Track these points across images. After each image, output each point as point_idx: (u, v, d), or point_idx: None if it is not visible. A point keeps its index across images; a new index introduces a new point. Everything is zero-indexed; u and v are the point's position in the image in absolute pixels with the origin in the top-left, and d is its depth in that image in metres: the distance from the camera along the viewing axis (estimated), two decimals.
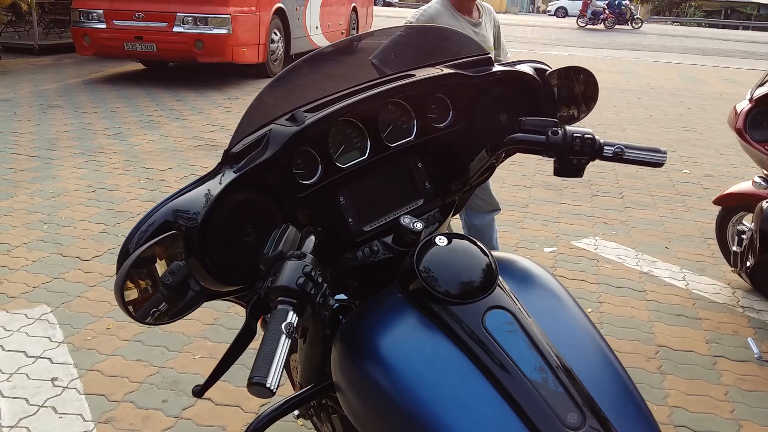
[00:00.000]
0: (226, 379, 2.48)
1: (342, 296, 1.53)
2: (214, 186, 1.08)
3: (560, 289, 1.20)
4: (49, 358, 2.58)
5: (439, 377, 1.02)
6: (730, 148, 6.30)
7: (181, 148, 5.67)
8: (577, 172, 1.25)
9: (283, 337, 0.87)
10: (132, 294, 1.03)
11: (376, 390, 1.06)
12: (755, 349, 2.82)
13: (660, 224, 4.31)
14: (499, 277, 1.15)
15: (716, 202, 3.41)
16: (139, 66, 9.96)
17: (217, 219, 1.07)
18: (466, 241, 1.16)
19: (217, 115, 6.96)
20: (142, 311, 1.04)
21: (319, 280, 0.95)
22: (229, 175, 1.09)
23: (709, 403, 2.47)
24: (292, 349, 2.07)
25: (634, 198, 4.82)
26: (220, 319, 2.93)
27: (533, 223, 4.24)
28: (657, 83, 10.60)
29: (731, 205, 3.32)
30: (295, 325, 0.89)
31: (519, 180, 5.12)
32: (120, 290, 0.98)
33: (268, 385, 0.82)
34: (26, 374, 2.47)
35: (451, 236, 1.16)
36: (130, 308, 1.02)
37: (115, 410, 2.28)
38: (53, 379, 2.45)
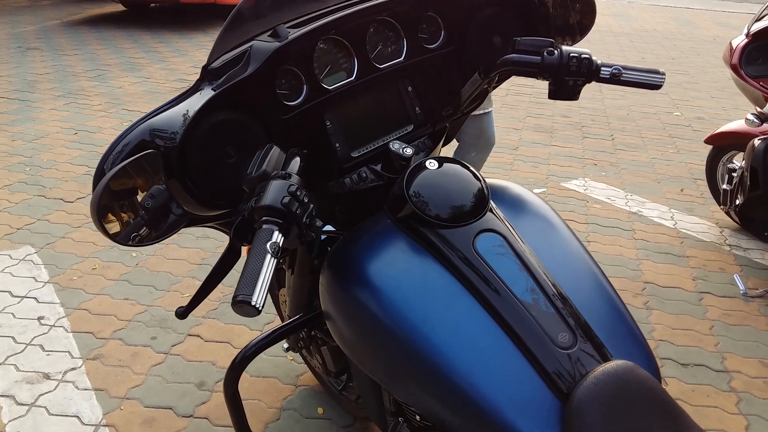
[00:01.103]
0: (215, 317, 2.47)
1: (330, 227, 1.51)
2: (193, 104, 1.03)
3: (553, 215, 1.18)
4: (34, 298, 2.55)
5: (428, 300, 1.00)
6: (722, 91, 6.24)
7: (164, 90, 5.53)
8: (573, 94, 1.21)
9: (269, 256, 0.84)
10: (111, 218, 0.99)
11: (365, 315, 1.04)
12: (741, 286, 2.85)
13: (650, 165, 4.29)
14: (491, 201, 1.12)
15: (707, 141, 3.38)
16: (119, 7, 9.63)
17: (197, 139, 1.03)
18: (458, 165, 1.13)
19: (200, 57, 6.77)
20: (122, 235, 1.00)
21: (305, 200, 0.92)
22: (208, 93, 1.04)
23: (695, 336, 2.50)
24: (281, 284, 2.05)
25: (624, 140, 4.79)
26: (208, 259, 2.90)
27: (523, 165, 4.21)
28: (650, 26, 10.42)
29: (722, 144, 3.29)
30: (280, 245, 0.86)
31: (509, 123, 5.06)
32: (96, 211, 0.94)
33: (253, 303, 0.79)
34: (12, 313, 2.45)
35: (441, 160, 1.13)
36: (110, 231, 0.99)
37: (104, 347, 2.28)
38: (40, 318, 2.43)
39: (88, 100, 5.17)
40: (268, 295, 2.10)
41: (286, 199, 0.89)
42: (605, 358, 0.95)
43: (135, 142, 1.01)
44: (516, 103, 5.61)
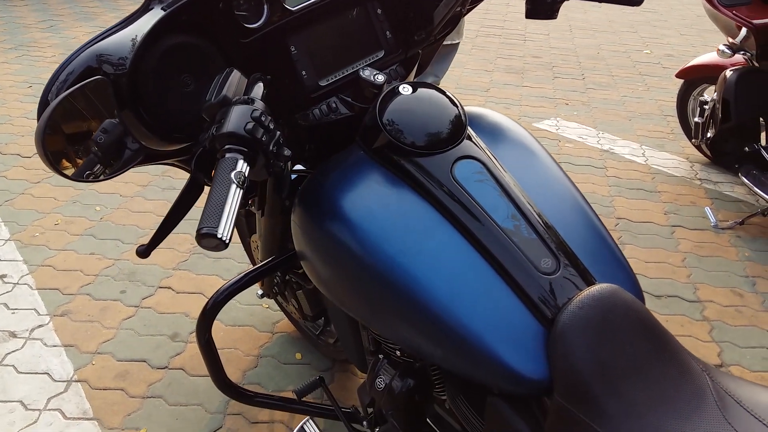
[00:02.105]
0: (186, 268, 2.41)
1: (300, 167, 1.44)
2: (143, 26, 0.94)
3: (532, 141, 1.13)
4: None
5: (406, 231, 0.96)
6: (691, 28, 6.22)
7: None
8: (551, 12, 1.15)
9: (233, 186, 0.77)
10: (61, 154, 0.91)
11: (340, 250, 1.00)
12: (712, 218, 2.88)
13: (620, 104, 4.28)
14: (469, 128, 1.07)
15: (678, 75, 3.35)
16: None
17: (149, 65, 0.94)
18: (433, 90, 1.07)
19: None
20: (75, 173, 0.93)
21: (271, 127, 0.85)
22: (158, 13, 0.95)
23: (667, 269, 2.53)
24: (252, 230, 1.99)
25: (594, 79, 4.75)
26: None
27: (495, 107, 4.15)
28: None
29: (693, 78, 3.27)
30: (246, 174, 0.80)
31: (480, 65, 4.97)
32: (42, 144, 0.87)
33: (219, 236, 0.73)
34: None
35: (415, 85, 1.06)
36: (62, 168, 0.91)
37: (71, 303, 2.20)
38: (2, 276, 2.34)
39: (41, 51, 4.93)
40: (241, 237, 2.04)
41: (250, 125, 0.82)
42: (589, 283, 0.92)
43: (80, 68, 0.92)
44: (486, 44, 5.51)
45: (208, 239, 0.73)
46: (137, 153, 0.96)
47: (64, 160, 0.92)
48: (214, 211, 0.74)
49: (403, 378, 1.11)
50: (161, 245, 2.53)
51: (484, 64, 4.99)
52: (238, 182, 0.78)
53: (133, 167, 0.99)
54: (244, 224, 2.00)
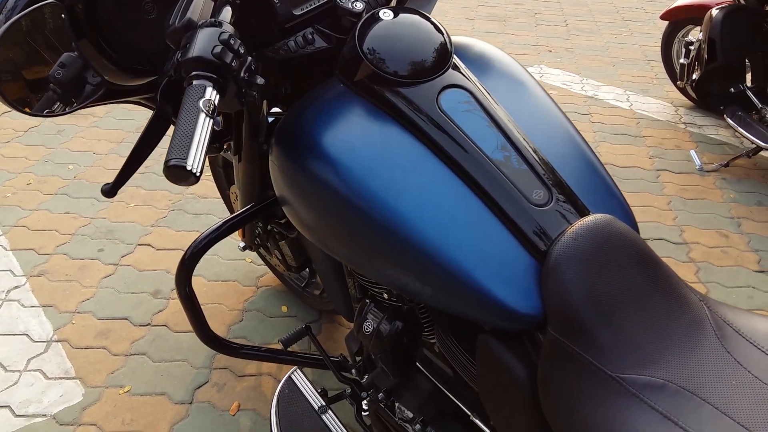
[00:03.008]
0: (165, 225, 2.35)
1: (277, 109, 1.38)
2: None
3: (522, 71, 1.08)
4: None
5: (391, 165, 0.91)
6: None
7: None
8: None
9: (202, 115, 0.72)
10: (17, 89, 0.84)
11: (322, 189, 0.95)
12: (697, 161, 2.86)
13: (604, 49, 4.21)
14: (455, 57, 1.01)
15: (663, 17, 3.29)
16: None
17: None
18: (416, 15, 1.00)
19: None
20: (34, 109, 0.86)
21: (241, 51, 0.79)
22: None
23: (653, 212, 2.52)
24: (230, 181, 1.93)
25: (578, 25, 4.66)
26: (152, 166, 2.73)
27: None
28: None
29: (679, 19, 3.21)
30: (215, 103, 0.74)
31: (462, 12, 4.85)
32: None
33: (189, 168, 0.68)
34: None
35: (397, 10, 1.00)
36: (19, 104, 0.85)
37: (47, 263, 2.14)
38: None
39: None
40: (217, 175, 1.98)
41: (218, 49, 0.76)
42: (582, 214, 0.88)
43: None
44: None
45: (177, 171, 0.67)
46: (98, 88, 0.90)
47: (21, 95, 0.85)
48: (182, 142, 0.69)
49: (391, 321, 1.07)
50: (138, 203, 2.47)
51: (465, 11, 4.87)
52: (207, 111, 0.72)
53: (95, 103, 0.92)
54: (222, 176, 1.94)
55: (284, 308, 1.98)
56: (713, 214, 2.51)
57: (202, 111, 0.72)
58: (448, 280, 0.85)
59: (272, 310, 1.97)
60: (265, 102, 1.17)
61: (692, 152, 2.93)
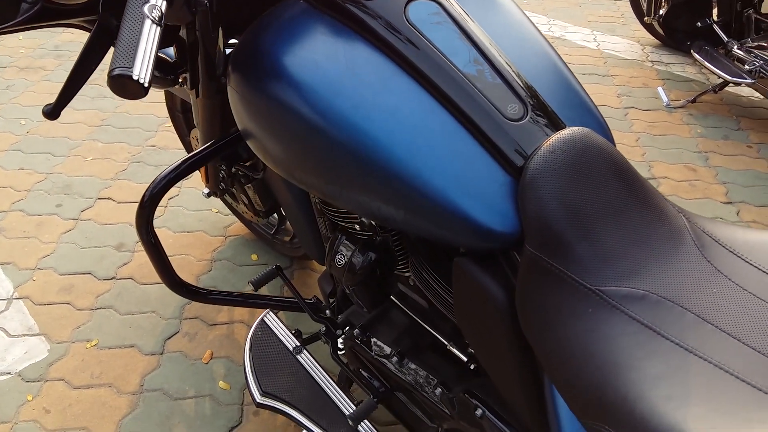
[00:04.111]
0: (125, 178, 2.26)
1: (235, 41, 1.31)
2: None
3: None
4: None
5: (358, 84, 0.86)
6: None
7: None
8: None
9: (148, 22, 0.65)
10: None
11: (285, 113, 0.89)
12: (664, 98, 2.85)
13: None
14: None
15: None
16: None
17: None
18: None
19: None
20: None
21: None
22: None
23: (622, 149, 2.51)
24: (190, 125, 1.86)
25: None
26: (108, 119, 2.62)
27: None
28: None
29: None
30: (162, 10, 0.68)
31: None
32: None
33: (135, 77, 0.62)
34: None
35: None
36: None
37: (3, 220, 2.05)
38: None
39: None
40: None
41: None
42: (558, 127, 0.85)
43: None
44: None
45: (122, 81, 0.62)
46: (34, 4, 0.82)
47: None
48: (126, 50, 0.62)
49: (364, 252, 1.04)
50: (96, 156, 2.37)
51: None
52: (154, 18, 0.66)
53: (32, 24, 0.84)
54: (181, 120, 1.86)
55: (254, 257, 1.94)
56: (681, 149, 2.52)
57: (148, 17, 0.66)
58: (421, 202, 0.81)
59: (242, 259, 1.93)
60: (221, 33, 1.10)
61: (659, 89, 2.92)
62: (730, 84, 2.73)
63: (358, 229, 1.08)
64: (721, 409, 0.64)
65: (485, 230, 0.80)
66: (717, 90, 2.82)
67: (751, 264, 0.79)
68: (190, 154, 1.20)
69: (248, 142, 1.04)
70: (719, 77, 2.66)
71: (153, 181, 1.18)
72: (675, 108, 2.81)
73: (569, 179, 0.78)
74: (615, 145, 0.88)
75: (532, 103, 0.85)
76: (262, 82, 0.92)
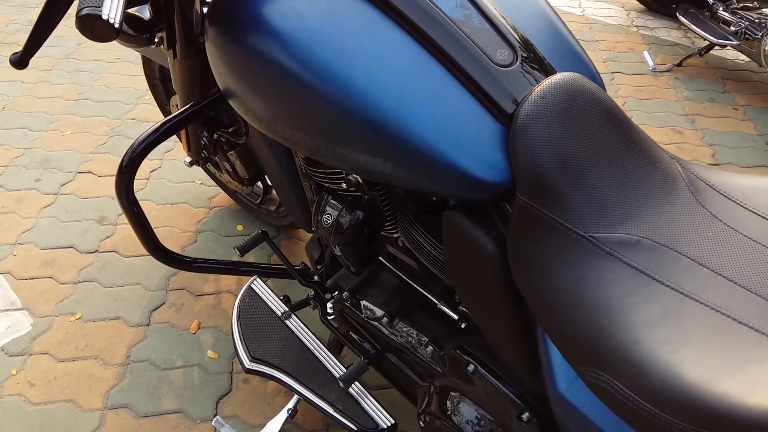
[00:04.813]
0: (105, 151, 2.21)
1: None
2: None
3: None
4: None
5: (340, 31, 0.83)
6: None
7: None
8: None
9: None
10: None
11: (267, 65, 0.86)
12: (650, 62, 2.84)
13: None
14: None
15: None
16: None
17: None
18: None
19: None
20: None
21: None
22: None
23: None
24: (169, 93, 1.81)
25: None
26: (86, 93, 2.56)
27: None
28: None
29: None
30: None
31: None
32: None
33: (105, 17, 0.59)
34: None
35: None
36: None
37: None
38: None
39: None
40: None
41: None
42: (549, 73, 0.83)
43: None
44: None
45: (91, 21, 0.58)
46: None
47: None
48: None
49: (351, 211, 1.02)
50: (75, 130, 2.32)
51: None
52: None
53: None
54: (160, 89, 1.81)
55: (240, 227, 1.91)
56: (668, 113, 2.51)
57: None
58: (408, 153, 0.79)
59: (227, 229, 1.90)
60: None
61: (645, 54, 2.90)
62: (716, 47, 2.71)
63: (345, 187, 1.06)
64: (718, 351, 0.63)
65: (475, 181, 0.78)
66: (702, 53, 2.81)
67: (746, 208, 0.78)
68: (169, 117, 1.17)
69: (230, 101, 1.01)
70: (705, 40, 2.64)
71: (131, 146, 1.15)
72: (661, 72, 2.80)
73: (561, 125, 0.76)
74: (606, 91, 0.86)
75: (521, 48, 0.83)
76: (240, 33, 0.88)
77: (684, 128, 2.41)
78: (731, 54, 2.99)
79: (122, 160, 1.16)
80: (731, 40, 2.56)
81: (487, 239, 0.81)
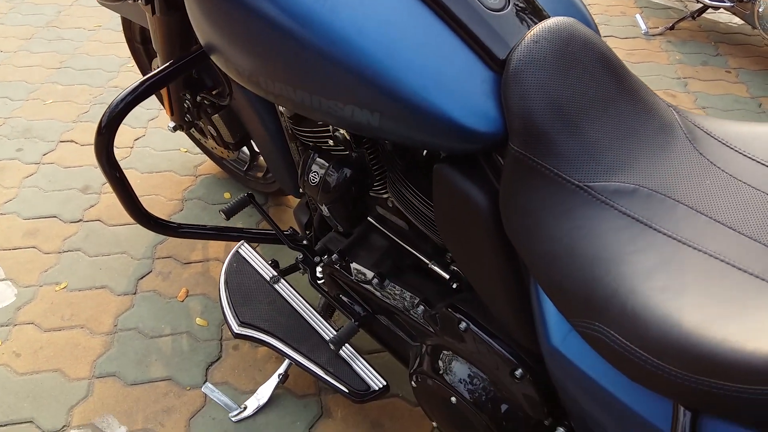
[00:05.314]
0: (87, 120, 2.17)
1: None
2: None
3: None
4: None
5: None
6: None
7: None
8: None
9: None
10: None
11: (249, 16, 0.82)
12: (642, 25, 2.80)
13: None
14: None
15: None
16: None
17: None
18: None
19: None
20: None
21: None
22: None
23: None
24: (150, 56, 1.76)
25: None
26: (67, 61, 2.50)
27: None
28: None
29: None
30: None
31: None
32: None
33: None
34: None
35: None
36: None
37: None
38: None
39: None
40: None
41: None
42: (542, 17, 0.79)
43: None
44: None
45: None
46: None
47: None
48: None
49: (339, 168, 0.99)
50: (56, 99, 2.27)
51: None
52: None
53: None
54: (141, 52, 1.76)
55: (227, 195, 1.87)
56: (660, 76, 2.48)
57: None
58: (397, 103, 0.76)
59: (214, 197, 1.86)
60: None
61: (637, 17, 2.86)
62: (709, 9, 2.67)
63: (332, 144, 1.02)
64: (717, 297, 0.61)
65: (466, 131, 0.75)
66: (695, 16, 2.77)
67: (745, 155, 0.75)
68: (149, 75, 1.13)
69: (211, 56, 0.97)
70: (697, 2, 2.60)
71: (110, 106, 1.11)
72: (653, 35, 2.76)
73: (555, 70, 0.73)
74: (600, 37, 0.83)
75: None
76: None
77: (677, 91, 2.38)
78: (724, 17, 2.95)
79: (101, 121, 1.12)
80: (724, 2, 2.52)
81: (478, 192, 0.79)
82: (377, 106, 0.77)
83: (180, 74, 1.14)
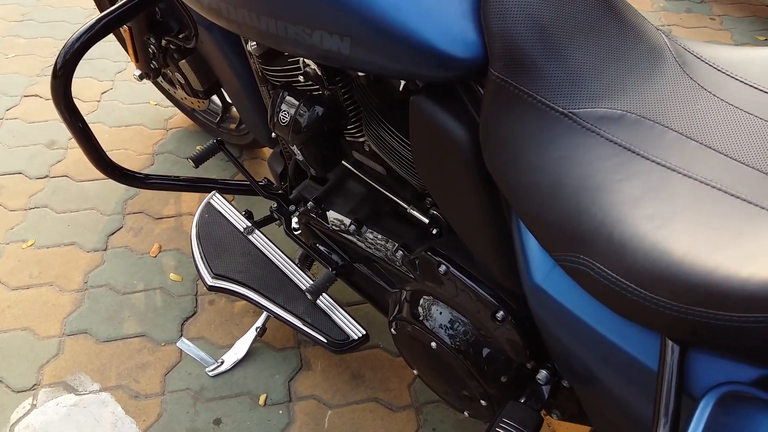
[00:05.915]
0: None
1: None
2: None
3: None
4: None
5: None
6: None
7: None
8: None
9: None
10: None
11: None
12: None
13: None
14: None
15: None
16: None
17: None
18: None
19: None
20: None
21: None
22: None
23: None
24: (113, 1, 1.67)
25: None
26: (29, 13, 2.38)
27: None
28: None
29: None
30: None
31: None
32: None
33: None
34: None
35: None
36: None
37: None
38: None
39: None
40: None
41: None
42: None
43: None
44: None
45: None
46: None
47: None
48: None
49: (310, 107, 0.93)
50: (19, 53, 2.16)
51: None
52: None
53: None
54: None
55: (199, 148, 1.80)
56: None
57: None
58: (368, 27, 0.70)
59: (186, 150, 1.80)
60: None
61: None
62: None
63: (302, 80, 0.97)
64: (708, 224, 0.58)
65: (444, 57, 0.70)
66: None
67: (737, 79, 0.71)
68: (107, 11, 1.05)
69: (189, 3, 0.90)
70: None
71: (65, 45, 1.04)
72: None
73: None
74: None
75: None
76: None
77: None
78: None
79: (56, 63, 1.05)
80: None
81: (457, 124, 0.74)
82: (347, 30, 0.72)
83: (140, 10, 1.07)
